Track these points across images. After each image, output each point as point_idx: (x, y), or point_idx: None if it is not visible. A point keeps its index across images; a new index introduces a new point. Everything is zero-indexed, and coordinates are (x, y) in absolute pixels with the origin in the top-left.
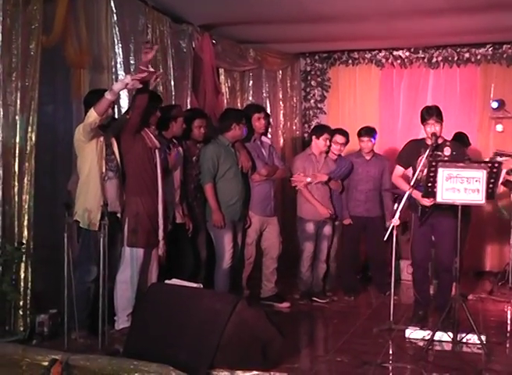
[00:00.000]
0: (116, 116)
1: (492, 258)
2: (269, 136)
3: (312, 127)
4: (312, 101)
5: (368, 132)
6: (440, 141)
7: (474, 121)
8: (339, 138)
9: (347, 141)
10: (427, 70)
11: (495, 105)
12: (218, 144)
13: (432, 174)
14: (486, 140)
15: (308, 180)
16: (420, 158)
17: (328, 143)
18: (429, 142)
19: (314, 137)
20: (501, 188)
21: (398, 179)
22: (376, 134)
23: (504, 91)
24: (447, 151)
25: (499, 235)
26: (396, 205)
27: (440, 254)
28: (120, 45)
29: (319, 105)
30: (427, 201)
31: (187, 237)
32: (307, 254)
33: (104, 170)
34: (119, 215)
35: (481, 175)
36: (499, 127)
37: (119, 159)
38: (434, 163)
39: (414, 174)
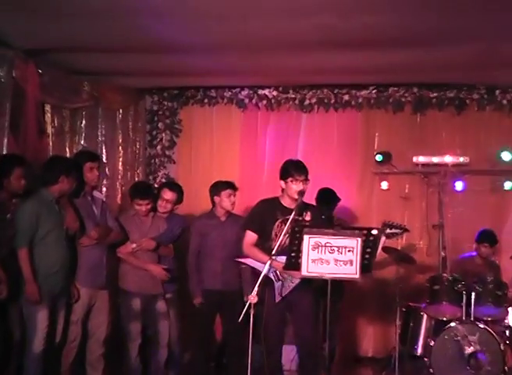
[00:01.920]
0: None
1: (376, 342)
2: (104, 189)
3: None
4: (159, 147)
5: (232, 186)
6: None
7: (354, 176)
8: (166, 193)
9: (178, 199)
10: (298, 114)
11: (379, 158)
12: (40, 200)
13: (295, 242)
14: (368, 199)
15: (133, 246)
16: (277, 224)
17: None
18: (286, 202)
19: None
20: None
21: (251, 248)
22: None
23: (390, 142)
24: (308, 216)
25: (383, 314)
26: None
27: (301, 336)
28: None
29: (167, 153)
30: (296, 275)
31: None
32: (133, 337)
33: None
34: None
35: (354, 244)
36: (384, 185)
37: None
38: (297, 229)
39: (268, 242)
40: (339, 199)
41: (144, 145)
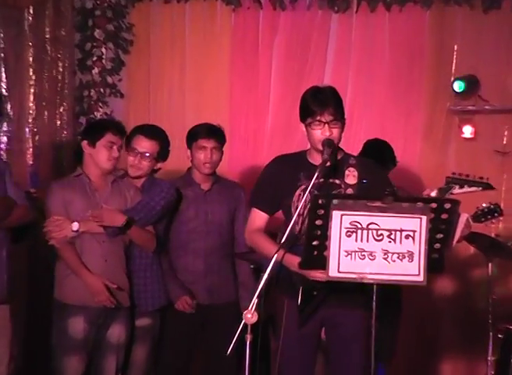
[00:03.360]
0: None
1: None
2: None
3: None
4: (96, 70)
5: (211, 132)
6: (339, 156)
7: (417, 117)
8: (140, 143)
9: (162, 152)
10: (325, 15)
11: (459, 86)
12: None
13: (318, 223)
14: (441, 153)
15: (75, 227)
16: (298, 193)
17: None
18: (315, 158)
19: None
20: None
21: (256, 234)
22: (224, 138)
23: (477, 61)
24: (351, 176)
25: (466, 342)
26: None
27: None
28: None
29: (110, 80)
30: (319, 275)
31: None
32: None
33: None
34: None
35: (416, 225)
36: (468, 131)
37: None
38: (321, 201)
39: (287, 223)
40: (394, 159)
41: (72, 68)
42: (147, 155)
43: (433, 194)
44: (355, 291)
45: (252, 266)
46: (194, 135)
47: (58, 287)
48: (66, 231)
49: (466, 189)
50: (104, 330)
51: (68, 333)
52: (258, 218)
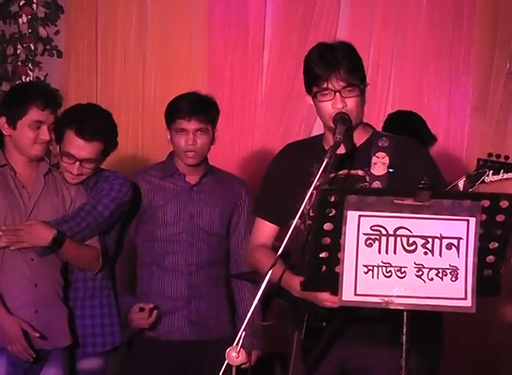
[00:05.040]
0: None
1: None
2: None
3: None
4: (24, 19)
5: (195, 108)
6: (364, 136)
7: (465, 84)
8: (74, 143)
9: (106, 149)
10: None
11: None
12: None
13: (327, 228)
14: (497, 133)
15: None
16: (310, 192)
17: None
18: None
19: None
20: None
21: (259, 251)
22: (216, 114)
23: None
24: (379, 164)
25: None
26: None
27: None
28: None
29: (42, 33)
30: (329, 298)
31: None
32: None
33: None
34: None
35: (463, 231)
36: None
37: None
38: (332, 197)
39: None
40: (432, 137)
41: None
42: (90, 160)
43: (460, 183)
44: (382, 320)
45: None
46: (172, 113)
47: None
48: None
49: (502, 175)
50: (35, 374)
51: None
52: (264, 230)
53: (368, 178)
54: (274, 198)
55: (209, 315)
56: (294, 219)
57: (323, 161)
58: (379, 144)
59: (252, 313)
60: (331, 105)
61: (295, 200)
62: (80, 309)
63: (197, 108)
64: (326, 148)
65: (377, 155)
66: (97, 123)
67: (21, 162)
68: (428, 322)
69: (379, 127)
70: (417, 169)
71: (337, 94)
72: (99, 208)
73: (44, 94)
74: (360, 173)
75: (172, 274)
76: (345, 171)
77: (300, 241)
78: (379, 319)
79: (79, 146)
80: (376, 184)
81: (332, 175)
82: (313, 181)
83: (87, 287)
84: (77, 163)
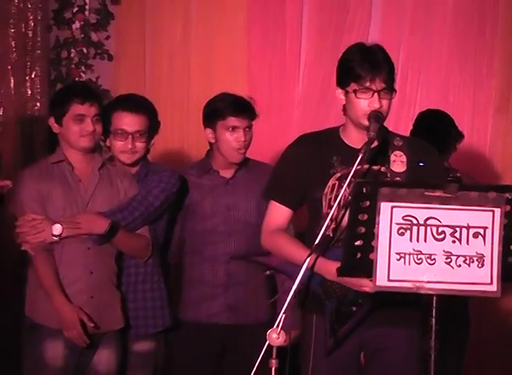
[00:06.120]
0: None
1: None
2: None
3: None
4: (77, 25)
5: (243, 107)
6: (381, 134)
7: (489, 85)
8: (123, 119)
9: (152, 125)
10: None
11: None
12: None
13: (362, 218)
14: None
15: (56, 231)
16: (332, 183)
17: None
18: (351, 138)
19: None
20: None
21: (277, 235)
22: (256, 113)
23: None
24: (398, 162)
25: None
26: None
27: None
28: None
29: (94, 37)
30: (367, 284)
31: None
32: None
33: None
34: None
35: (488, 221)
36: None
37: None
38: (367, 190)
39: (316, 221)
40: (459, 134)
41: (46, 22)
42: (140, 133)
43: None
44: (403, 304)
45: (268, 272)
46: (220, 111)
47: (29, 303)
48: (45, 235)
49: None
50: (89, 356)
51: (44, 361)
52: (279, 214)
53: (389, 174)
54: (291, 184)
55: (247, 301)
56: (313, 206)
57: (349, 153)
58: (395, 144)
59: (291, 297)
60: (367, 104)
61: (311, 188)
62: (133, 293)
63: (245, 106)
64: (346, 141)
65: (395, 153)
66: (140, 99)
67: (77, 157)
68: (454, 308)
69: (409, 124)
70: (432, 168)
71: (376, 94)
72: (150, 199)
73: (82, 90)
74: (382, 169)
75: (212, 263)
76: (366, 166)
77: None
78: (402, 304)
79: (128, 120)
80: (398, 176)
81: (362, 167)
82: (336, 172)
83: (139, 273)
84: (130, 138)
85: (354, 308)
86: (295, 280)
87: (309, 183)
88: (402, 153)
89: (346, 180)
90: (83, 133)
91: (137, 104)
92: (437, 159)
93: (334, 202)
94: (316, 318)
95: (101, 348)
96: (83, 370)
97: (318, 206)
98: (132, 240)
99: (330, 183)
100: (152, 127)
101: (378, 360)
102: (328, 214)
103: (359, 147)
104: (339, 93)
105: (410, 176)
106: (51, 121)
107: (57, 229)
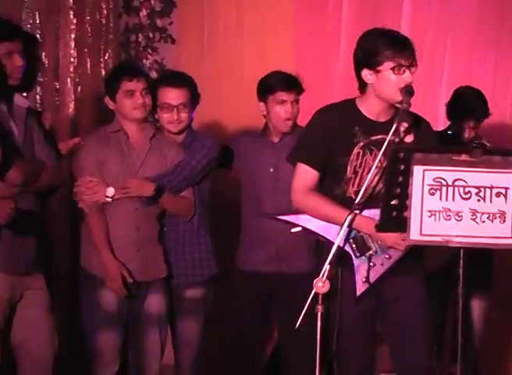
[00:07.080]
0: None
1: None
2: (37, 91)
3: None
4: (144, 12)
5: (291, 83)
6: (394, 109)
7: (509, 62)
8: (168, 94)
9: (193, 98)
10: None
11: None
12: None
13: (398, 180)
14: None
15: (109, 193)
16: (357, 151)
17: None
18: (370, 111)
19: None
20: None
21: (312, 194)
22: (302, 88)
23: None
24: (409, 135)
25: None
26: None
27: (406, 359)
28: None
29: (159, 23)
30: (400, 242)
31: None
32: (104, 358)
33: None
34: None
35: (509, 182)
36: None
37: None
38: (402, 155)
39: (355, 183)
40: (486, 111)
41: (117, 10)
42: (184, 105)
43: None
44: (410, 256)
45: (297, 229)
46: (271, 86)
47: (84, 255)
48: (99, 196)
49: None
50: (140, 301)
51: (99, 306)
52: (309, 176)
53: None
54: (320, 149)
55: (290, 251)
56: (336, 171)
57: (369, 125)
58: (402, 117)
59: (335, 250)
60: (401, 79)
61: (336, 153)
62: (182, 246)
63: (293, 82)
64: (365, 113)
65: (403, 124)
66: (181, 75)
67: (131, 128)
68: (481, 261)
69: (436, 99)
70: (430, 139)
71: (407, 70)
72: (193, 163)
73: (129, 68)
74: (397, 139)
75: (259, 217)
76: (381, 136)
77: (349, 193)
78: (410, 256)
79: (172, 94)
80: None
81: (374, 138)
82: (359, 141)
83: (187, 229)
84: (175, 110)
85: (386, 259)
86: (319, 236)
87: (335, 149)
88: (412, 130)
89: (368, 148)
90: (134, 106)
91: (179, 79)
92: (435, 134)
93: (359, 168)
94: (341, 271)
95: (150, 293)
96: (134, 315)
97: (341, 171)
98: (176, 201)
99: (355, 152)
100: (193, 99)
101: (396, 305)
102: (351, 179)
103: (376, 119)
104: (367, 73)
105: (419, 144)
106: (107, 99)
107: (110, 191)
